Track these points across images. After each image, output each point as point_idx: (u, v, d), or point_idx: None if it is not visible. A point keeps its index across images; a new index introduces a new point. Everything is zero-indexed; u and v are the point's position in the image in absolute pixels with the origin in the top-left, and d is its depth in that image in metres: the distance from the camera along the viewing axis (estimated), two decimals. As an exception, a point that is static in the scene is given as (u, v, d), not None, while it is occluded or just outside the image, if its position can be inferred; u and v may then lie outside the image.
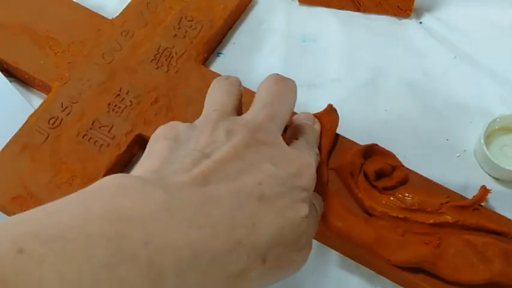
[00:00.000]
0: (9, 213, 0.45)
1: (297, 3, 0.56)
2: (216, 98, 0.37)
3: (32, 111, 0.49)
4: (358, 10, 0.55)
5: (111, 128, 0.48)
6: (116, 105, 0.49)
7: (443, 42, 0.54)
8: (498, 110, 0.49)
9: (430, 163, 0.47)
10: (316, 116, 0.42)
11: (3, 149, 0.47)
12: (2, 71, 0.52)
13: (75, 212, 0.27)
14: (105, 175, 0.46)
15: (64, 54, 0.52)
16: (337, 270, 0.44)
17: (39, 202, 0.45)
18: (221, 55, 0.55)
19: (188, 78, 0.50)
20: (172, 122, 0.35)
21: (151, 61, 0.51)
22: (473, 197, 0.42)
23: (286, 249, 0.32)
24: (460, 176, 0.47)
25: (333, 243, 0.44)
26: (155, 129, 0.35)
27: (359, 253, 0.42)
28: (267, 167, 0.32)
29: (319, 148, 0.42)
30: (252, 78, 0.46)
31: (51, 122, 0.48)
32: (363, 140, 0.45)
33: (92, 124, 0.48)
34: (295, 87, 0.38)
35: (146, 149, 0.34)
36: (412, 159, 0.45)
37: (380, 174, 0.43)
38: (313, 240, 0.44)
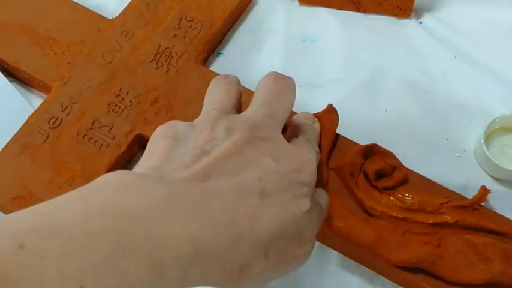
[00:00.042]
0: (9, 213, 0.45)
1: (297, 3, 0.56)
2: (215, 97, 0.37)
3: (32, 111, 0.49)
4: (358, 10, 0.55)
5: (111, 128, 0.48)
6: (116, 105, 0.49)
7: (443, 42, 0.54)
8: (498, 110, 0.49)
9: (430, 163, 0.47)
10: (316, 116, 0.42)
11: (3, 149, 0.47)
12: (2, 71, 0.52)
13: (76, 208, 0.27)
14: (105, 175, 0.46)
15: (64, 54, 0.52)
16: (337, 270, 0.44)
17: (39, 202, 0.44)
18: (221, 55, 0.55)
19: (188, 78, 0.50)
20: (171, 121, 0.35)
21: (151, 61, 0.51)
22: (473, 197, 0.42)
23: (289, 243, 0.32)
24: (460, 176, 0.47)
25: (333, 243, 0.44)
26: (155, 129, 0.35)
27: (359, 253, 0.42)
28: (267, 163, 0.32)
29: (320, 148, 0.42)
30: (252, 78, 0.45)
31: (51, 122, 0.48)
32: (363, 140, 0.45)
33: (92, 124, 0.48)
34: (294, 85, 0.38)
35: (146, 149, 0.34)
36: (412, 159, 0.45)
37: (380, 174, 0.43)
38: (313, 240, 0.44)
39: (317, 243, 0.44)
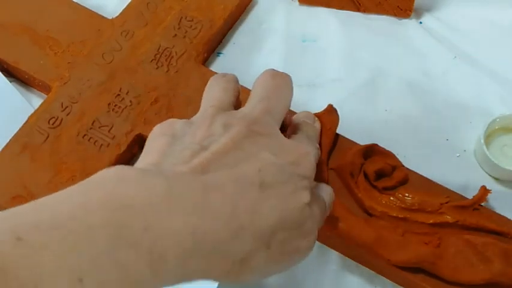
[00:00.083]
0: (9, 212, 0.45)
1: (297, 3, 0.56)
2: (213, 94, 0.37)
3: (32, 111, 0.49)
4: (358, 10, 0.55)
5: (111, 128, 0.48)
6: (116, 105, 0.49)
7: (443, 42, 0.54)
8: (498, 110, 0.49)
9: (430, 163, 0.47)
10: (317, 115, 0.42)
11: (3, 149, 0.47)
12: (2, 71, 0.52)
13: (76, 202, 0.27)
14: (105, 175, 0.46)
15: (64, 54, 0.52)
16: (337, 270, 0.44)
17: (39, 202, 0.45)
18: (221, 55, 0.55)
19: (188, 78, 0.50)
20: (169, 120, 0.35)
21: (151, 61, 0.51)
22: (473, 197, 0.42)
23: (290, 235, 0.32)
24: (460, 176, 0.47)
25: (333, 243, 0.44)
26: None
27: (359, 253, 0.42)
28: (266, 156, 0.32)
29: (320, 148, 0.42)
30: (252, 78, 0.45)
31: (51, 122, 0.48)
32: (363, 140, 0.45)
33: (92, 124, 0.48)
34: (291, 81, 0.38)
35: (144, 148, 0.34)
36: (412, 159, 0.45)
37: (380, 174, 0.43)
38: (313, 240, 0.44)
39: (317, 243, 0.44)
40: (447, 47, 0.53)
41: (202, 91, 0.38)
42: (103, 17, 0.54)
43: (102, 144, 0.47)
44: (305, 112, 0.42)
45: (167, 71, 0.50)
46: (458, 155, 0.48)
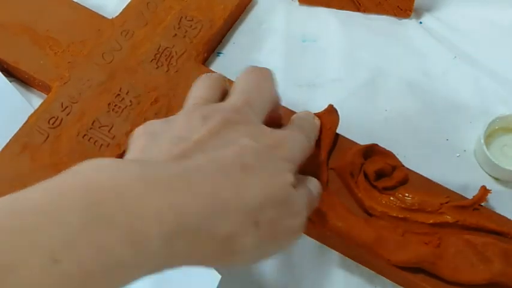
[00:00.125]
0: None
1: (297, 3, 0.56)
2: (197, 93, 0.38)
3: (32, 111, 0.49)
4: (358, 10, 0.55)
5: (111, 127, 0.48)
6: (116, 105, 0.49)
7: (443, 42, 0.54)
8: (498, 110, 0.49)
9: (430, 163, 0.47)
10: (317, 115, 0.42)
11: (3, 149, 0.47)
12: (2, 71, 0.52)
13: (50, 188, 0.27)
14: (105, 175, 0.46)
15: (64, 54, 0.52)
16: (337, 270, 0.44)
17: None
18: (221, 55, 0.55)
19: (188, 78, 0.50)
20: (148, 121, 0.36)
21: (151, 61, 0.51)
22: (473, 197, 0.42)
23: (279, 213, 0.32)
24: (460, 176, 0.47)
25: (333, 243, 0.44)
26: None
27: (359, 253, 0.42)
28: (246, 141, 0.33)
29: (320, 147, 0.42)
30: (252, 78, 0.46)
31: (51, 122, 0.48)
32: (363, 140, 0.45)
33: (92, 124, 0.48)
34: (271, 75, 0.38)
35: (126, 150, 0.35)
36: (412, 159, 0.45)
37: (380, 174, 0.43)
38: (313, 240, 0.44)
39: (317, 243, 0.44)
40: (447, 47, 0.53)
41: (202, 91, 0.38)
42: (103, 17, 0.54)
43: (102, 144, 0.47)
44: (305, 111, 0.42)
45: (167, 71, 0.50)
46: (458, 155, 0.48)
